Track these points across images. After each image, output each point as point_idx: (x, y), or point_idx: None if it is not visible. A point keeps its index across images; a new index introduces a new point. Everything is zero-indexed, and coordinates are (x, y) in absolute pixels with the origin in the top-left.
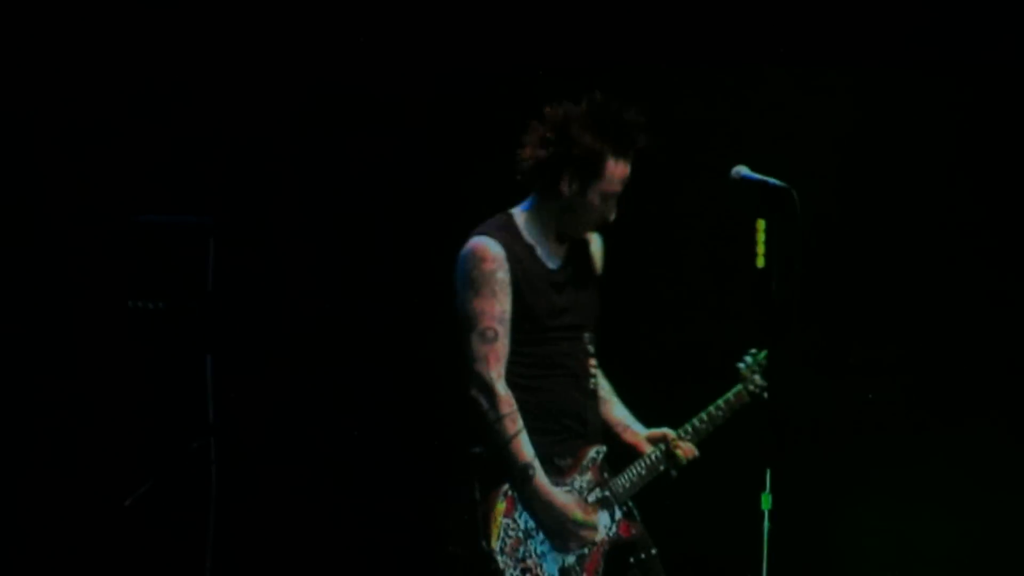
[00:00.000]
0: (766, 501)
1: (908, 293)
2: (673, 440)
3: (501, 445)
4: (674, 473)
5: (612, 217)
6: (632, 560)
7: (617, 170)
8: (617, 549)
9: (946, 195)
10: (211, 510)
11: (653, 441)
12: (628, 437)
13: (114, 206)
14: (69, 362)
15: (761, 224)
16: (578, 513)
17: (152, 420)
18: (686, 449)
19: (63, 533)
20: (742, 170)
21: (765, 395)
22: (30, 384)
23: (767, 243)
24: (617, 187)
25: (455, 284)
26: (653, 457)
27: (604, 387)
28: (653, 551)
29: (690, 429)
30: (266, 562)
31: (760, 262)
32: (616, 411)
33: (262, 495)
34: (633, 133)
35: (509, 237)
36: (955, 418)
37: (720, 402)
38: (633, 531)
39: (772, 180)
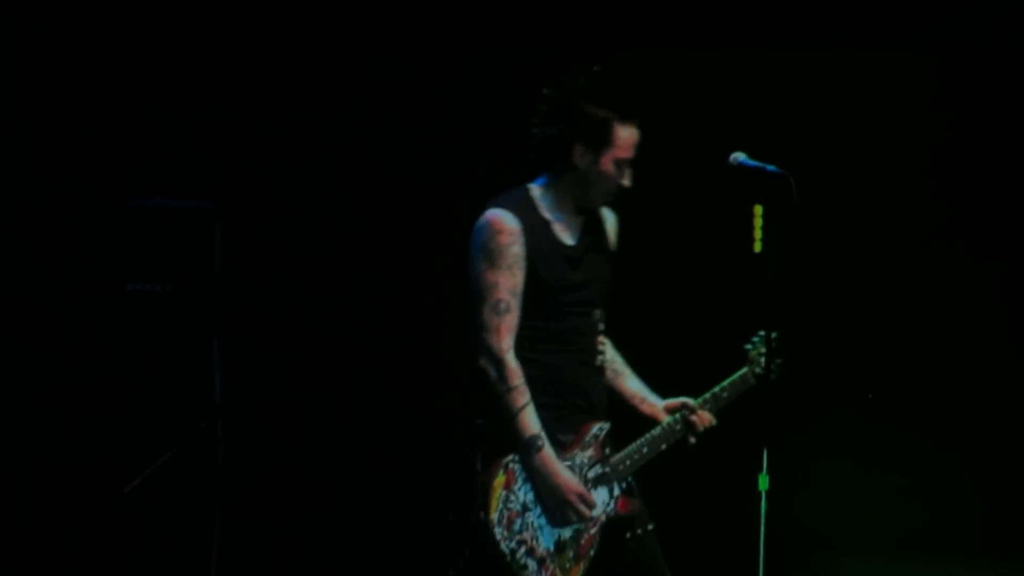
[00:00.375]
0: (763, 482)
1: (901, 275)
2: (691, 408)
3: (508, 416)
4: (693, 440)
5: (628, 183)
6: (628, 535)
7: (625, 135)
8: (614, 524)
9: (939, 181)
10: (218, 488)
11: (670, 411)
12: (645, 408)
13: (123, 191)
14: (78, 345)
15: (758, 210)
16: (578, 490)
17: (160, 401)
18: (703, 417)
19: (72, 513)
20: (740, 156)
21: (772, 377)
22: (39, 367)
23: (764, 228)
24: (629, 152)
25: (470, 254)
26: (656, 433)
27: (618, 360)
28: (650, 527)
29: (701, 403)
30: (273, 539)
31: (757, 247)
32: (631, 383)
33: (268, 474)
34: (635, 96)
35: (526, 211)
36: (952, 398)
37: (726, 383)
38: (630, 507)
39: (769, 167)
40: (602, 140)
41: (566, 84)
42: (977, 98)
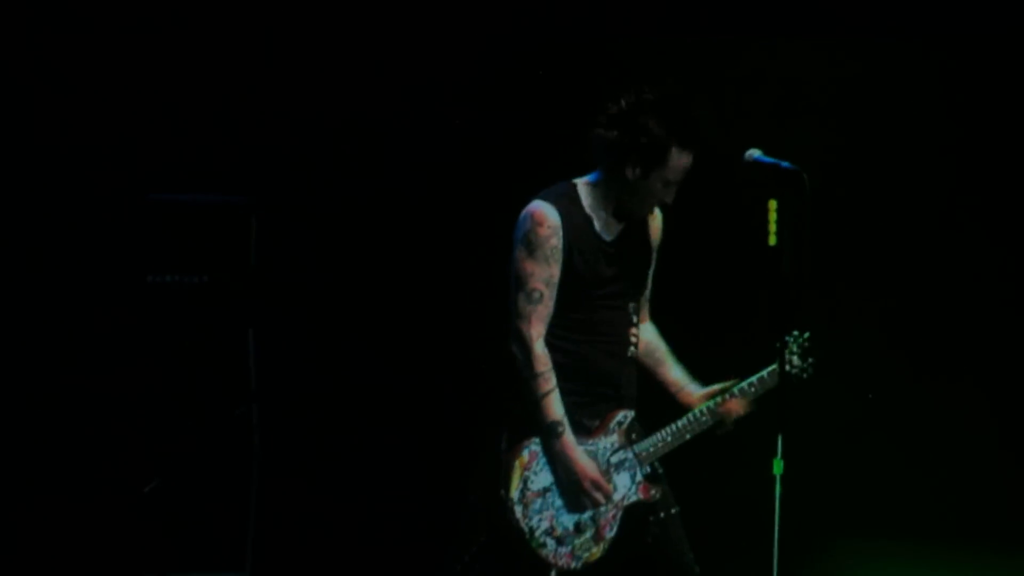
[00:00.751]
0: (778, 466)
1: (911, 266)
2: (723, 399)
3: (533, 401)
4: (725, 426)
5: (670, 201)
6: (652, 519)
7: (680, 161)
8: (636, 508)
9: (950, 172)
10: (253, 472)
11: (707, 399)
12: (683, 397)
13: (162, 186)
14: (120, 334)
15: (773, 204)
16: (595, 478)
17: (198, 388)
18: (734, 407)
19: (109, 498)
20: (755, 153)
21: (804, 376)
22: (78, 356)
23: (779, 222)
24: (679, 176)
25: (512, 243)
26: (681, 423)
27: (662, 349)
28: (673, 510)
29: (736, 393)
30: (307, 522)
31: (772, 240)
32: (673, 372)
33: (301, 457)
34: (699, 127)
35: (569, 205)
36: (960, 387)
37: (754, 379)
38: (653, 492)
39: (784, 163)
40: (656, 159)
41: (637, 93)
42: (991, 88)
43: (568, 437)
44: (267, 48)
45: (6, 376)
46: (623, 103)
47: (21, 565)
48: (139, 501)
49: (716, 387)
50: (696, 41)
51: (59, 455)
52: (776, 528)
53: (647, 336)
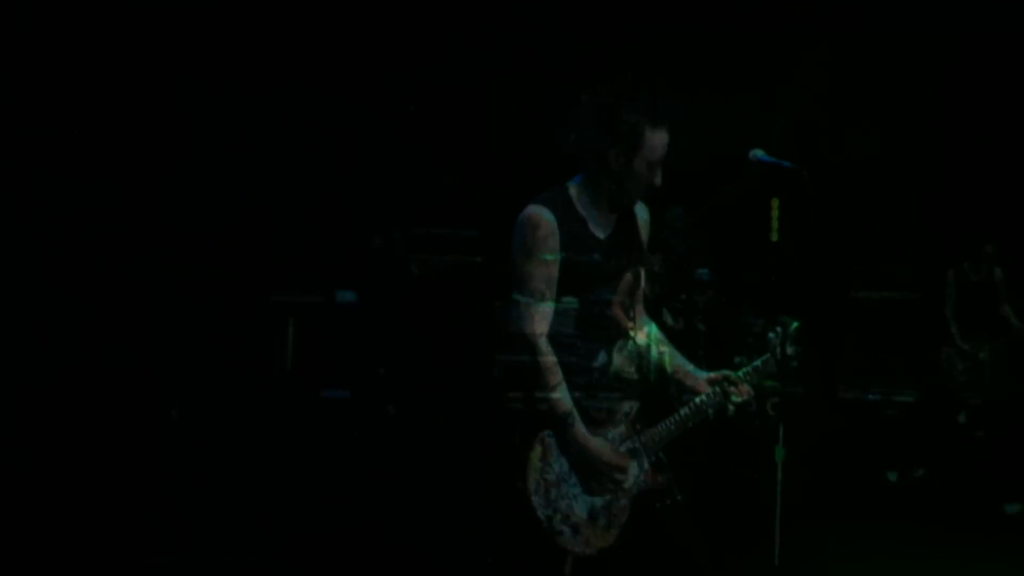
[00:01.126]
0: (779, 453)
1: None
2: (730, 381)
3: (543, 395)
4: (731, 408)
5: (658, 182)
6: (658, 506)
7: (657, 138)
8: (644, 495)
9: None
10: (277, 457)
11: (711, 384)
12: (688, 382)
13: (197, 189)
14: (148, 330)
15: (775, 202)
16: (611, 459)
17: (223, 378)
18: (742, 389)
19: (137, 481)
20: (758, 153)
21: (794, 364)
22: (109, 351)
23: (780, 219)
24: (660, 154)
25: (512, 247)
26: (684, 412)
27: (662, 339)
28: (679, 497)
29: (728, 384)
30: (326, 508)
31: (774, 236)
32: (676, 359)
33: (322, 447)
34: (665, 104)
35: (562, 207)
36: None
37: (748, 368)
38: (660, 479)
39: (785, 162)
40: (634, 144)
41: (601, 90)
42: (995, 84)
43: (579, 426)
44: (297, 55)
45: (37, 372)
46: (592, 102)
47: (50, 548)
48: (165, 486)
49: (718, 374)
50: (695, 39)
51: (85, 445)
52: (778, 511)
53: (646, 329)
